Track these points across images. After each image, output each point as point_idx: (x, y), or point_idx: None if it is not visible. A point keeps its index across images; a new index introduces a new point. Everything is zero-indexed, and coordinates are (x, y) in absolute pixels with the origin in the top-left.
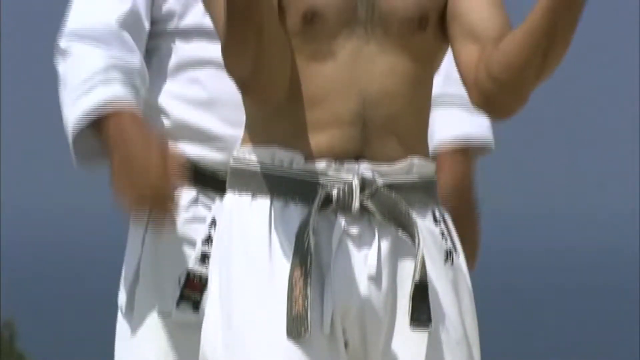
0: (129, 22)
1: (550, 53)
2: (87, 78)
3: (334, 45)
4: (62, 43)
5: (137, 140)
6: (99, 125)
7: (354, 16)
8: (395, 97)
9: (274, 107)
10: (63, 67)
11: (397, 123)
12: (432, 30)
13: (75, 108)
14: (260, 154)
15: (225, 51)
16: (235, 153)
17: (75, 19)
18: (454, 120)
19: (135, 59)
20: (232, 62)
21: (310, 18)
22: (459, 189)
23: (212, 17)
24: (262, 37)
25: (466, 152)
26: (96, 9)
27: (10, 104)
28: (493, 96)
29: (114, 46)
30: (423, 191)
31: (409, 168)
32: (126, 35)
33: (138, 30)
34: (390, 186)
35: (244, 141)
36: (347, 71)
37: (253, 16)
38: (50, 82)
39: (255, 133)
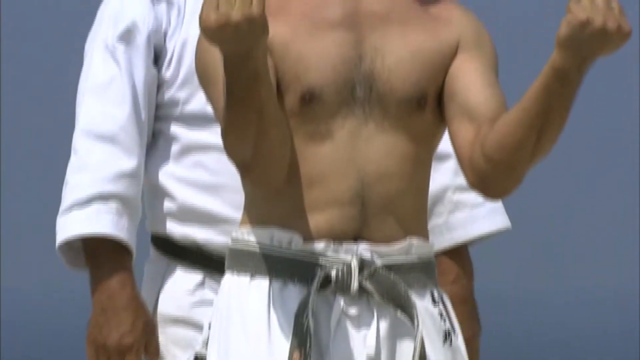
0: (129, 125)
1: (544, 134)
2: (88, 198)
3: (332, 126)
4: (75, 139)
5: (120, 318)
6: (88, 252)
7: (352, 97)
8: (393, 177)
9: (273, 188)
10: (69, 166)
11: (396, 203)
12: (431, 110)
13: (69, 219)
14: (259, 235)
15: (225, 134)
16: (234, 234)
17: (86, 117)
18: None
19: (133, 162)
20: (232, 146)
21: (309, 99)
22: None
23: (211, 101)
24: (263, 120)
25: (463, 251)
26: (105, 110)
27: (9, 193)
28: (487, 176)
29: (117, 149)
30: (422, 272)
31: (408, 249)
32: (127, 139)
33: (140, 129)
34: (389, 267)
35: (242, 222)
36: (346, 151)
37: (253, 100)
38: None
39: (254, 214)
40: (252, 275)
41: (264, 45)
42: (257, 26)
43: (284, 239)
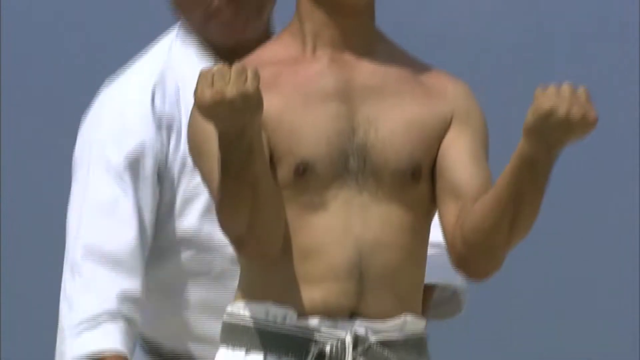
0: (135, 247)
1: (517, 219)
2: (95, 315)
3: (326, 196)
4: (76, 257)
5: None
6: None
7: (345, 168)
8: (391, 247)
9: (268, 261)
10: (71, 286)
11: (394, 276)
12: (426, 181)
13: (78, 342)
14: (254, 310)
15: (219, 210)
16: (229, 308)
17: (89, 235)
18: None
19: (137, 284)
20: (226, 221)
21: (303, 171)
22: None
23: (204, 175)
24: (257, 195)
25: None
26: (110, 230)
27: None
28: (467, 258)
29: (122, 270)
30: (414, 348)
31: (402, 325)
32: (132, 261)
33: (144, 251)
34: (383, 343)
35: (237, 297)
36: (341, 221)
37: (248, 175)
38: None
39: (249, 288)
40: (247, 350)
41: (258, 121)
42: (252, 103)
43: (279, 315)
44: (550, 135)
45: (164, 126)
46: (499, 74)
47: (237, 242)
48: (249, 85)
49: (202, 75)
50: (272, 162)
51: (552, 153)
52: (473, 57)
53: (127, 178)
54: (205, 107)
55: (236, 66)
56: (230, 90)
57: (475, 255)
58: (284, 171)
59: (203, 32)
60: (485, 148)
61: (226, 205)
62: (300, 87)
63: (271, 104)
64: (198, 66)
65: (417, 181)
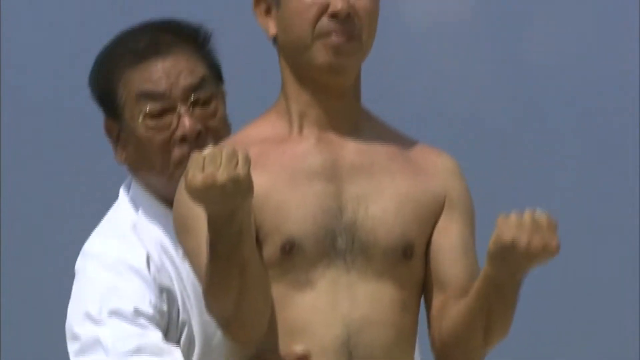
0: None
1: (490, 329)
2: None
3: (312, 275)
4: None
5: None
6: None
7: (333, 247)
8: (380, 325)
9: (254, 342)
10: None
11: (384, 353)
12: (419, 258)
13: None
14: None
15: (206, 291)
16: None
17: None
18: None
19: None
20: (213, 302)
21: (289, 249)
22: None
23: (188, 253)
24: (245, 278)
25: None
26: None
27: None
28: (445, 355)
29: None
30: None
31: None
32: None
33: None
34: None
35: None
36: (328, 300)
37: (237, 258)
38: None
39: None
40: None
41: (248, 205)
42: (242, 187)
43: None
44: (512, 263)
45: (164, 290)
46: (486, 147)
47: (224, 324)
48: (240, 169)
49: (193, 159)
50: (258, 240)
51: (516, 277)
52: (460, 131)
53: (142, 321)
54: (196, 191)
55: (227, 150)
56: (222, 175)
57: (453, 354)
58: (270, 249)
59: (161, 186)
60: (473, 232)
61: (214, 287)
62: (287, 166)
63: (258, 182)
64: (165, 225)
65: (409, 258)
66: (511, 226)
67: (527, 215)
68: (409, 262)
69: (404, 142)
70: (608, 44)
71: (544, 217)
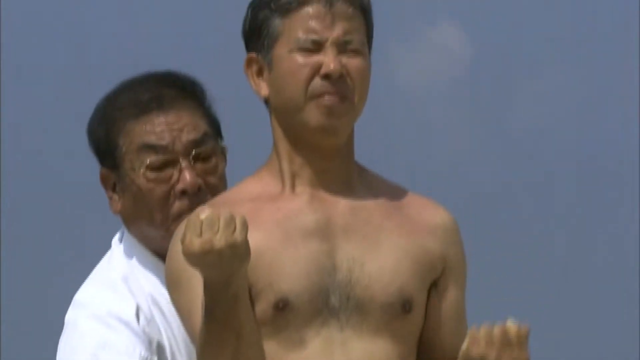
0: None
1: None
2: None
3: (306, 334)
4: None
5: None
6: None
7: (326, 305)
8: None
9: None
10: None
11: None
12: (418, 311)
13: None
14: None
15: (201, 352)
16: None
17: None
18: None
19: None
20: None
21: (282, 307)
22: None
23: (179, 308)
24: (240, 341)
25: None
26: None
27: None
28: None
29: None
30: None
31: None
32: None
33: None
34: None
35: None
36: (321, 359)
37: (233, 321)
38: None
39: None
40: None
41: (245, 269)
42: (240, 252)
43: None
44: None
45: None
46: (475, 207)
47: None
48: (237, 235)
49: (190, 223)
50: (251, 297)
51: None
52: (449, 189)
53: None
54: (193, 256)
55: (225, 215)
56: (219, 240)
57: None
58: (263, 307)
59: (157, 238)
60: (463, 293)
61: (209, 349)
62: (281, 224)
63: (252, 239)
64: (156, 279)
65: (408, 312)
66: (481, 342)
67: (497, 330)
68: (407, 315)
69: (399, 195)
70: (596, 109)
71: (514, 329)
